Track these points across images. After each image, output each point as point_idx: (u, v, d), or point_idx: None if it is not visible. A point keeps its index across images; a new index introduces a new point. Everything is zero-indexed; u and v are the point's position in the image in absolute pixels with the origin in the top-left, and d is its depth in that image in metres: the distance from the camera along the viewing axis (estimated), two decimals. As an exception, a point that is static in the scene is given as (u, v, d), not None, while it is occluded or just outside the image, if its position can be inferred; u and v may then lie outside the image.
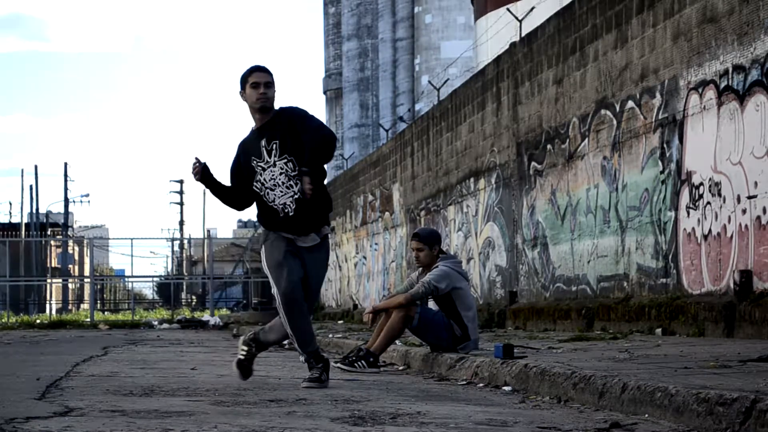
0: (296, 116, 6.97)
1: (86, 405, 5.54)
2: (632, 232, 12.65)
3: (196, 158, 7.08)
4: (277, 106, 7.09)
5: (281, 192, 6.96)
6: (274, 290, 6.97)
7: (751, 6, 10.00)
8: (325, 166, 7.09)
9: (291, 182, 6.91)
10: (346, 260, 31.00)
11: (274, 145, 6.93)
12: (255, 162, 7.00)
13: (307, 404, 5.68)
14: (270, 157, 6.94)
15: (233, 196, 7.19)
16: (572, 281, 14.47)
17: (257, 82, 6.91)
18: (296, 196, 6.91)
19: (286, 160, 6.92)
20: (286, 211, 6.95)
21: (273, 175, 6.95)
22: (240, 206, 7.29)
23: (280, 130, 6.94)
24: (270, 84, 6.94)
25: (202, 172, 7.07)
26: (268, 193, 6.99)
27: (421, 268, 9.01)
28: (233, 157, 7.18)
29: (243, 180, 7.09)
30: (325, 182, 7.24)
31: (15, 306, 44.57)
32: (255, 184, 7.02)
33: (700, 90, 10.99)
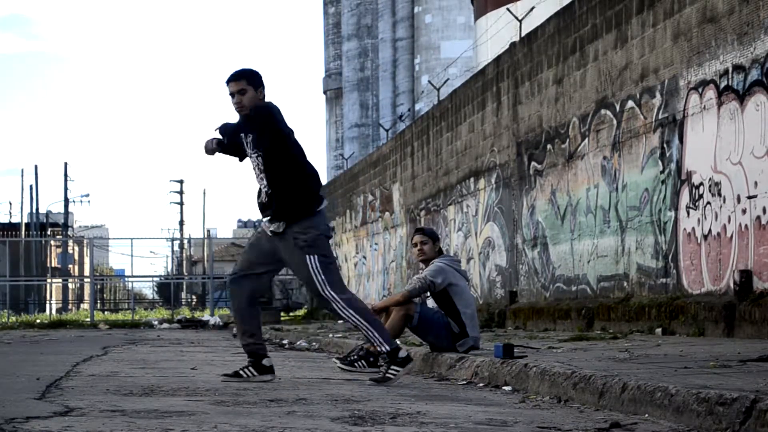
0: (266, 118, 7.35)
1: (86, 405, 5.53)
2: (632, 232, 12.65)
3: (211, 141, 7.60)
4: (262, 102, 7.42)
5: (261, 180, 7.44)
6: None
7: (751, 6, 10.00)
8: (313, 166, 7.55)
9: (262, 175, 7.40)
10: (346, 260, 31.00)
11: (250, 138, 7.38)
12: (244, 144, 7.48)
13: (307, 404, 5.68)
14: (247, 148, 7.44)
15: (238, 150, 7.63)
16: (572, 281, 14.47)
17: (231, 92, 7.37)
18: (267, 190, 7.39)
19: (257, 155, 7.38)
20: (262, 196, 7.44)
21: (253, 163, 7.47)
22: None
23: (254, 127, 7.36)
24: (243, 90, 7.32)
25: (216, 149, 7.62)
26: (254, 170, 7.52)
27: (422, 268, 9.02)
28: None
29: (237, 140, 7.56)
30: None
31: (15, 306, 44.56)
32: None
33: (700, 90, 11.00)
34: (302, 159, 7.44)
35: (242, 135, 7.40)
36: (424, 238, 8.94)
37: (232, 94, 7.33)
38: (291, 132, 7.44)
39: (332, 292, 7.27)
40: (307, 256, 7.29)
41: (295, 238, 7.31)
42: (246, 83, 7.30)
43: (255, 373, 7.41)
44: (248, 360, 7.46)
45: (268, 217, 7.40)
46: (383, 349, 7.29)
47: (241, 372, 7.38)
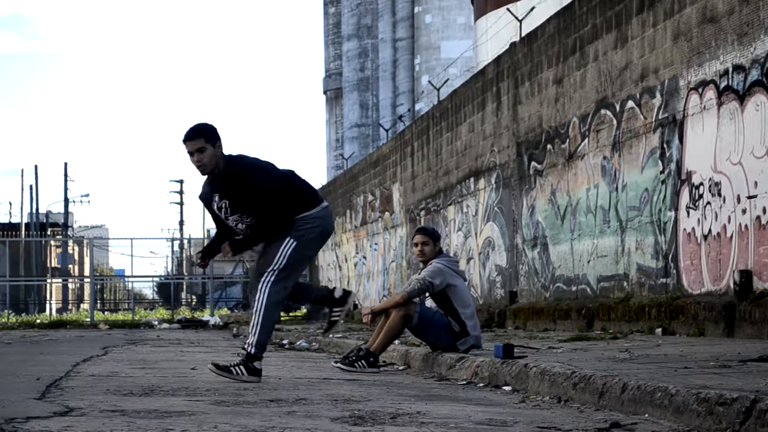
0: (239, 180, 7.22)
1: (86, 405, 5.53)
2: (632, 232, 12.65)
3: (198, 255, 7.71)
4: (230, 153, 7.38)
5: (235, 230, 7.45)
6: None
7: (751, 6, 10.01)
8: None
9: (241, 226, 7.38)
10: (346, 260, 30.99)
11: (224, 204, 7.33)
12: (216, 210, 7.42)
13: (307, 404, 5.68)
14: (222, 213, 7.37)
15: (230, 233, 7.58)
16: (572, 281, 14.47)
17: (189, 151, 7.22)
18: (244, 229, 7.39)
19: (238, 216, 7.33)
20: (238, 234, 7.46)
21: (230, 223, 7.43)
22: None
23: (228, 190, 7.28)
24: (202, 149, 7.18)
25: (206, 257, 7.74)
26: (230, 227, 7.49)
27: (422, 268, 9.03)
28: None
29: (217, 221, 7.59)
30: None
31: (15, 306, 44.58)
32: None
33: (700, 90, 11.00)
34: (288, 194, 7.27)
35: (213, 206, 7.37)
36: (425, 239, 8.94)
37: (190, 153, 7.18)
38: (267, 172, 7.27)
39: (273, 276, 7.26)
40: (289, 237, 7.30)
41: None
42: (204, 141, 7.14)
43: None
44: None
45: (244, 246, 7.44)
46: (249, 348, 7.28)
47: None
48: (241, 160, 7.28)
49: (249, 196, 7.19)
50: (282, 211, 7.24)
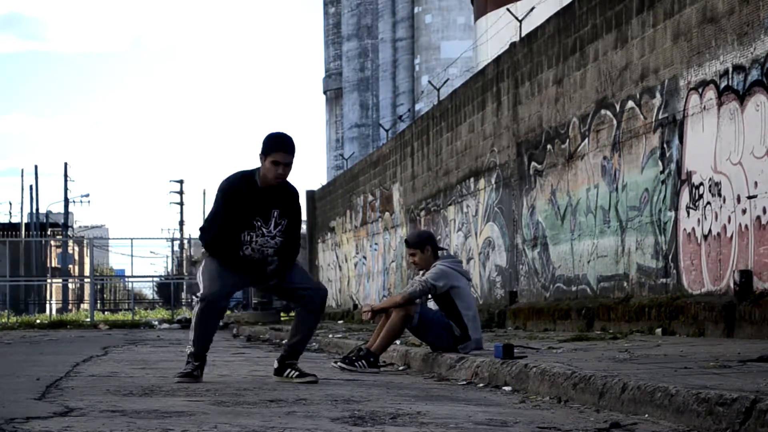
0: (297, 205, 7.47)
1: (86, 405, 5.54)
2: (632, 232, 12.65)
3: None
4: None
5: (258, 254, 7.32)
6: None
7: (751, 6, 10.00)
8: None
9: (272, 242, 7.31)
10: (346, 260, 31.00)
11: (283, 224, 7.34)
12: (258, 222, 7.28)
13: (307, 404, 5.68)
14: (274, 229, 7.32)
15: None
16: (572, 281, 14.47)
17: (278, 162, 7.15)
18: (270, 252, 7.32)
19: (282, 239, 7.34)
20: (256, 254, 7.32)
21: (266, 244, 7.32)
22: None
23: (288, 214, 7.37)
24: (290, 164, 7.20)
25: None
26: (247, 249, 7.29)
27: (422, 271, 9.01)
28: (224, 202, 7.27)
29: (228, 222, 7.29)
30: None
31: (15, 306, 44.55)
32: (244, 235, 7.27)
33: (700, 90, 11.00)
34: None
35: (257, 216, 7.24)
36: (411, 251, 8.91)
37: (277, 163, 7.11)
38: None
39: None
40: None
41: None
42: (293, 157, 7.21)
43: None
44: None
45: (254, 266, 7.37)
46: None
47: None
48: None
49: (294, 219, 7.41)
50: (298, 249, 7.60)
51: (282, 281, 7.39)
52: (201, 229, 7.51)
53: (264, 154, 7.16)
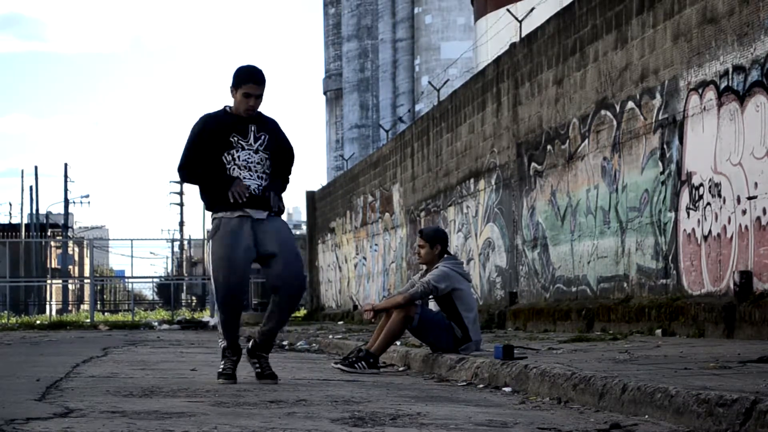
0: (279, 129, 7.44)
1: (86, 406, 5.53)
2: (632, 232, 12.65)
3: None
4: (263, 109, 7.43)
5: (250, 176, 7.21)
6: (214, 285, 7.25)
7: (751, 6, 10.01)
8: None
9: (262, 175, 7.22)
10: (346, 261, 30.99)
11: (264, 137, 7.26)
12: (235, 138, 7.20)
13: (307, 405, 5.68)
14: (255, 142, 7.24)
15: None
16: (572, 282, 14.47)
17: (249, 94, 7.17)
18: (262, 186, 7.20)
19: (267, 155, 7.26)
20: (251, 190, 7.18)
21: (250, 158, 7.21)
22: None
23: (268, 131, 7.32)
24: (260, 96, 7.22)
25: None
26: (234, 170, 7.19)
27: (423, 270, 9.01)
28: (195, 131, 7.25)
29: (204, 152, 7.21)
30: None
31: (15, 307, 44.55)
32: (225, 156, 7.19)
33: (700, 90, 11.00)
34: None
35: (233, 134, 7.16)
36: (421, 242, 8.91)
37: (248, 95, 7.14)
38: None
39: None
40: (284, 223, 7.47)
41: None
42: (264, 89, 7.23)
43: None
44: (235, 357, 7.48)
45: (255, 205, 7.19)
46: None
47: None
48: None
49: (280, 146, 7.33)
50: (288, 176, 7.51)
51: (280, 213, 7.29)
52: (178, 166, 7.36)
53: (234, 86, 7.18)
